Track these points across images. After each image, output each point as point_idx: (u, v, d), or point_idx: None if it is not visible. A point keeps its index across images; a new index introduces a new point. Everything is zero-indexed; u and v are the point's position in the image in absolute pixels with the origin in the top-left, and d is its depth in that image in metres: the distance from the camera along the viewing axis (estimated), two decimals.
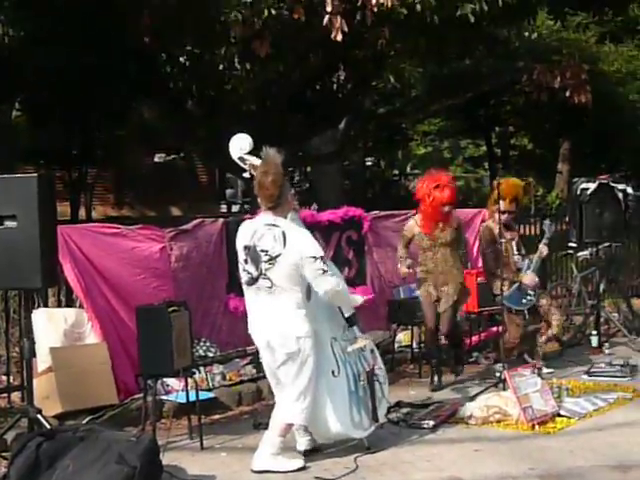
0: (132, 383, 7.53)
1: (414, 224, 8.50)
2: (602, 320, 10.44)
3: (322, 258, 6.08)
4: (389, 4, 10.55)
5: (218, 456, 6.59)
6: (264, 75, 13.20)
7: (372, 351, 6.68)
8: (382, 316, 9.53)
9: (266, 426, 6.41)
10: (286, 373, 6.15)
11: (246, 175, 6.70)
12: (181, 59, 13.84)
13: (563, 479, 5.94)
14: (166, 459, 6.00)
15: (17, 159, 17.48)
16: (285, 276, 6.06)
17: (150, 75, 13.58)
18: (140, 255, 7.91)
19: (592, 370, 8.84)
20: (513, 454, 6.42)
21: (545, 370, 8.72)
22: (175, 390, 7.47)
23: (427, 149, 33.70)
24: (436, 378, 8.51)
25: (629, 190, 10.46)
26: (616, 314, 10.80)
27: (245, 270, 6.20)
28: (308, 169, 21.78)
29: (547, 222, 9.37)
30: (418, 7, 10.95)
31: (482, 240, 9.15)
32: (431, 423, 7.07)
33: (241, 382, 8.20)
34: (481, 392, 7.97)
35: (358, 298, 6.68)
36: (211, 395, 7.74)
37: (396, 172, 29.74)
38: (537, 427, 6.98)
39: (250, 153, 6.64)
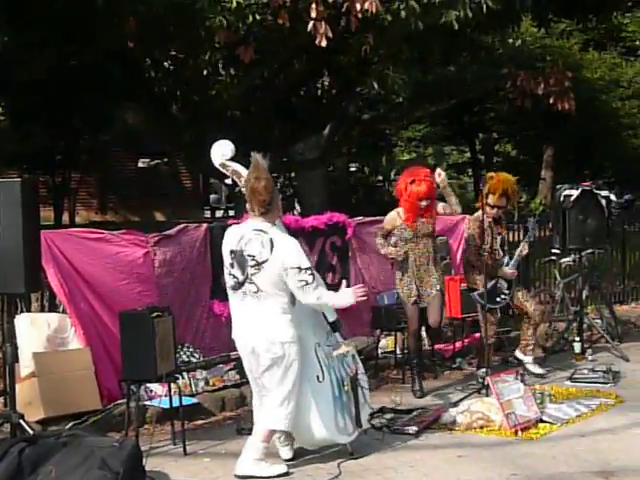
0: (115, 388, 7.51)
1: (396, 216, 8.42)
2: (585, 326, 10.46)
3: (308, 269, 6.05)
4: (374, 10, 10.54)
5: (201, 461, 6.58)
6: (248, 80, 13.19)
7: (353, 357, 6.67)
8: (366, 322, 9.53)
9: (249, 431, 6.42)
10: (270, 378, 6.14)
11: (228, 182, 6.69)
12: (165, 64, 13.81)
13: None
14: (149, 465, 5.99)
15: (0, 163, 17.40)
16: (271, 282, 6.06)
17: (134, 80, 13.54)
18: (124, 260, 7.90)
19: (575, 376, 8.86)
20: (496, 460, 6.42)
21: (539, 371, 8.84)
22: (158, 395, 7.45)
23: (411, 155, 33.70)
24: (417, 384, 8.46)
25: (612, 197, 10.50)
26: (599, 320, 10.81)
27: (231, 274, 6.19)
28: (292, 175, 21.77)
29: (531, 220, 9.40)
30: (403, 14, 10.96)
31: (469, 229, 9.08)
32: (414, 429, 7.07)
33: (224, 387, 8.20)
34: (464, 398, 7.99)
35: (347, 297, 6.43)
36: (194, 400, 7.72)
37: (380, 178, 29.73)
38: (520, 433, 7.00)
39: (232, 159, 6.64)
